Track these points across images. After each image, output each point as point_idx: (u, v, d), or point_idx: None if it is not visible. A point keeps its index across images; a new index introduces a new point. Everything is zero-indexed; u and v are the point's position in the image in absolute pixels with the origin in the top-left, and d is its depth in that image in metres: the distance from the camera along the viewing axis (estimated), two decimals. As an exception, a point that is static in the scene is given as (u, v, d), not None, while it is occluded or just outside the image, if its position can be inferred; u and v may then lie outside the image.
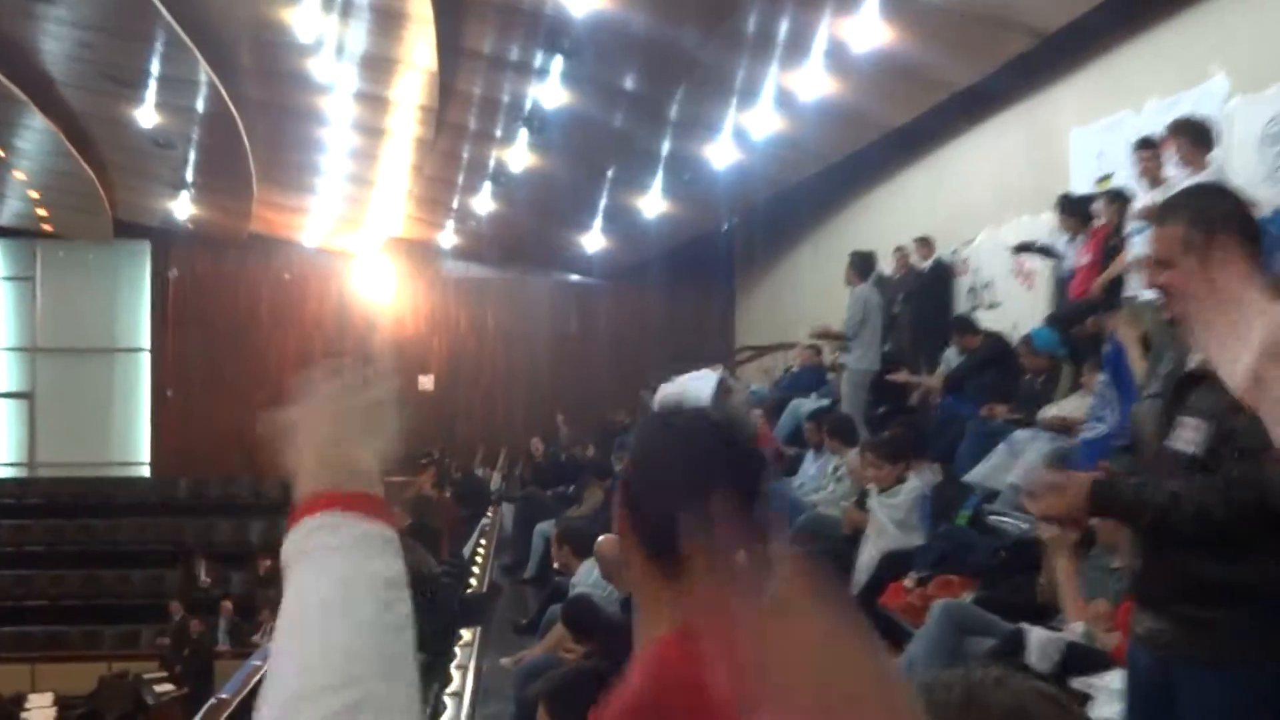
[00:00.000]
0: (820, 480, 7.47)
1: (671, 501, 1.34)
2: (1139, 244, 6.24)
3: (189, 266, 17.16)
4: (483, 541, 11.13)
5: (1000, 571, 4.88)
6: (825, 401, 9.28)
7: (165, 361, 17.05)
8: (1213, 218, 2.37)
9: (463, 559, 10.68)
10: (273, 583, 13.31)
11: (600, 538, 5.95)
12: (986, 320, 8.98)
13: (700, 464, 1.38)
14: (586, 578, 6.42)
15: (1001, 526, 5.18)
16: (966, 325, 8.49)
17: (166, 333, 17.09)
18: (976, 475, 6.24)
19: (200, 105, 12.52)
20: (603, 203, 14.41)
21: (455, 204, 15.63)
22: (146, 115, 12.60)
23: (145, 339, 17.26)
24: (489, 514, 12.20)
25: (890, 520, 5.79)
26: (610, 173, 13.30)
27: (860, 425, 7.91)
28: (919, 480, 5.94)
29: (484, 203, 14.74)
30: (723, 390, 9.98)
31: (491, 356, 17.51)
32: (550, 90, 10.80)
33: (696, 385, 10.08)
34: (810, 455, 8.11)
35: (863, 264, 8.91)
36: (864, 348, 8.46)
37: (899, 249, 10.15)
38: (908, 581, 5.28)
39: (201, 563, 15.48)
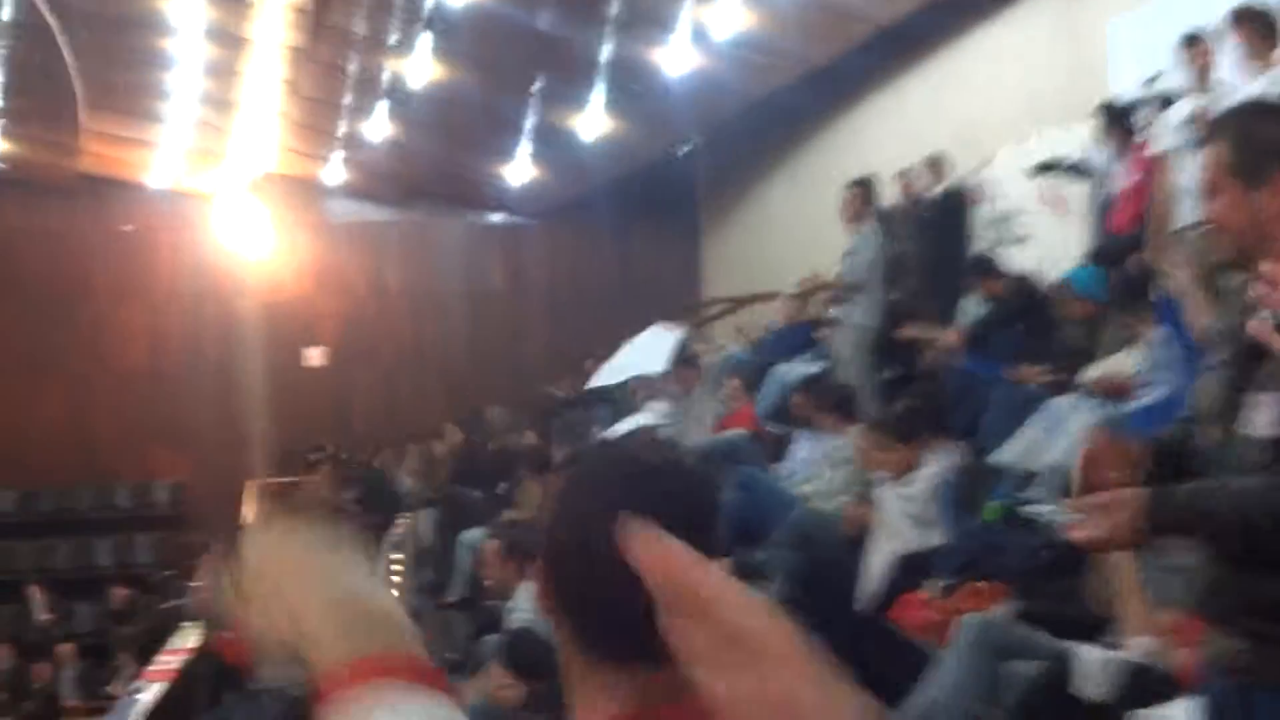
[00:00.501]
0: (814, 467, 7.49)
1: (605, 561, 1.27)
2: (1183, 161, 6.35)
3: None
4: (395, 556, 11.14)
5: (1042, 576, 4.95)
6: (817, 367, 9.32)
7: (-24, 342, 16.80)
8: (1262, 140, 2.43)
9: (370, 579, 10.64)
10: (129, 617, 13.23)
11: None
12: (1012, 259, 9.07)
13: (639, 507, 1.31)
14: (526, 601, 6.42)
15: (1041, 519, 5.26)
16: (987, 266, 8.59)
17: (-25, 306, 16.82)
18: (1008, 454, 6.32)
19: (5, 12, 12.28)
20: (530, 123, 14.36)
21: (342, 130, 15.49)
22: (-62, 28, 12.35)
23: (-52, 314, 16.99)
24: (401, 521, 12.21)
25: (904, 515, 5.86)
26: (537, 86, 13.24)
27: (863, 396, 7.98)
28: (938, 464, 6.00)
29: (378, 127, 14.61)
30: (683, 354, 10.08)
31: (395, 321, 17.45)
32: (458, -17, 10.72)
33: (649, 347, 10.16)
34: (801, 436, 8.14)
35: (866, 194, 8.95)
36: (866, 298, 8.52)
37: (901, 173, 10.21)
38: (927, 591, 5.34)
39: (36, 594, 15.35)
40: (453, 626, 9.29)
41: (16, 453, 16.28)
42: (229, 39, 12.98)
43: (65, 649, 14.22)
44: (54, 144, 15.68)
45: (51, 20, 12.00)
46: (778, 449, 8.49)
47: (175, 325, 16.96)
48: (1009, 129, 9.83)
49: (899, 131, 11.34)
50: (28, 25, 12.30)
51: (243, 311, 16.85)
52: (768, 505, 6.86)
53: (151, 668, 9.17)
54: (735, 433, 8.23)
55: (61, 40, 12.36)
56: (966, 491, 5.95)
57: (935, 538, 5.76)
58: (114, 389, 16.69)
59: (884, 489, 6.04)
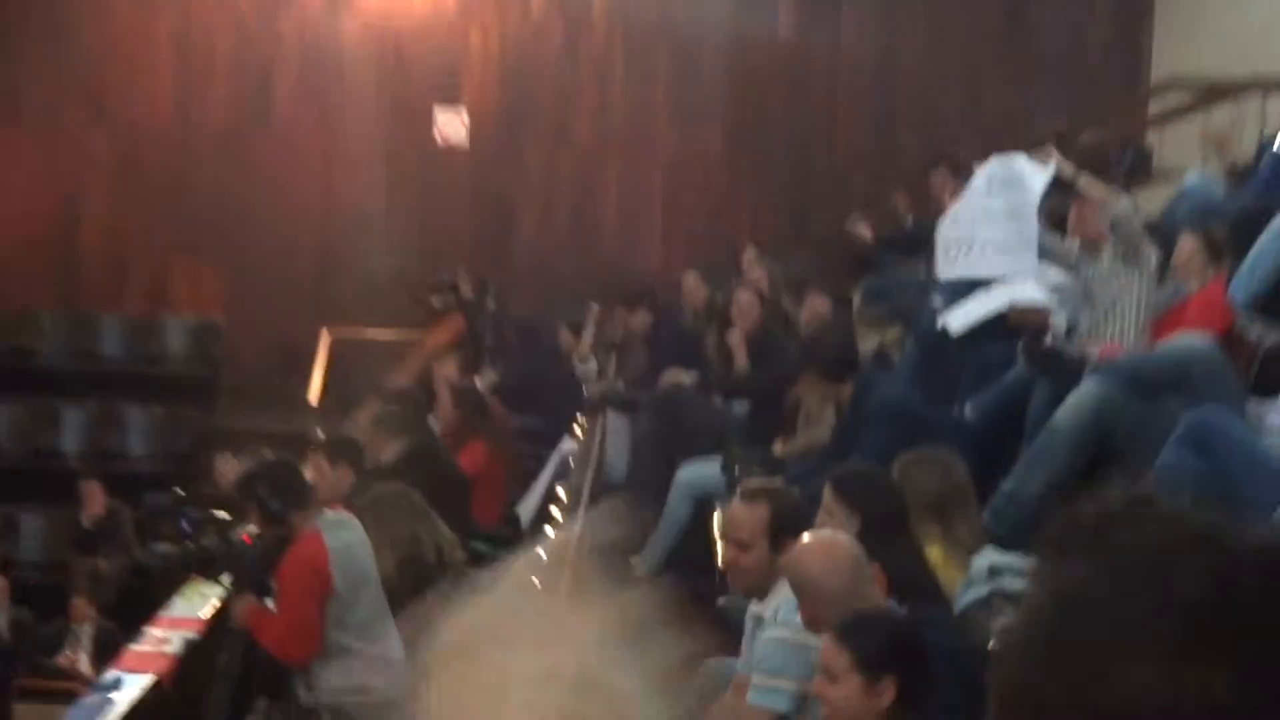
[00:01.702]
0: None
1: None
2: None
3: None
4: (561, 492, 11.16)
5: None
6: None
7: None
8: None
9: (518, 527, 10.70)
10: (98, 542, 13.51)
11: (805, 539, 6.09)
12: None
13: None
14: (779, 607, 6.46)
15: None
16: None
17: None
18: None
19: None
20: None
21: None
22: None
23: None
24: (576, 430, 12.23)
25: None
26: None
27: None
28: None
29: None
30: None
31: (597, 77, 17.51)
32: None
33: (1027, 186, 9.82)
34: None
35: None
36: None
37: None
38: None
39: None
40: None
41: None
42: None
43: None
44: None
45: None
46: (1266, 372, 8.16)
47: (228, 52, 17.30)
48: None
49: None
50: None
51: (342, 39, 17.02)
52: (1245, 486, 6.62)
53: (136, 645, 9.36)
54: (1189, 338, 7.88)
55: None
56: None
57: None
58: (117, 155, 17.14)
59: None
